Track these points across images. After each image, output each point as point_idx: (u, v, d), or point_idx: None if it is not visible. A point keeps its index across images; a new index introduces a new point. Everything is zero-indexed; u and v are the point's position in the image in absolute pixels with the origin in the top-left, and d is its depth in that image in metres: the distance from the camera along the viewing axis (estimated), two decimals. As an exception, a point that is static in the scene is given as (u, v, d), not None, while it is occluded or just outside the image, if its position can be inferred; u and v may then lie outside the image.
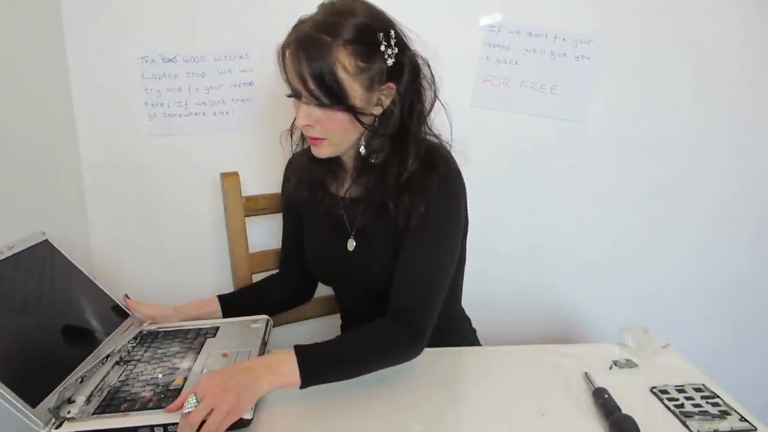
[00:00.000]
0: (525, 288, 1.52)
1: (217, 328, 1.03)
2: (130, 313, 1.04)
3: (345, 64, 0.85)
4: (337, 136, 0.93)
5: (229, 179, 1.23)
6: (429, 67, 0.96)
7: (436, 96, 0.97)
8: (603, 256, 1.53)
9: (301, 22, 0.90)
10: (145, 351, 0.95)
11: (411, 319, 0.91)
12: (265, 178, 1.33)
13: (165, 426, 0.73)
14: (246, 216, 1.24)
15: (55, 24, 1.23)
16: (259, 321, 1.06)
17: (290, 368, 0.81)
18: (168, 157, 1.34)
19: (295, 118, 0.95)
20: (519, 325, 1.42)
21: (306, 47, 0.85)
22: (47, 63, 1.21)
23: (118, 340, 0.96)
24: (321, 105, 0.88)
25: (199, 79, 1.31)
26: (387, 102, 0.92)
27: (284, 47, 0.89)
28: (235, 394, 0.74)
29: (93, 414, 0.76)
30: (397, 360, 0.90)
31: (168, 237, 1.39)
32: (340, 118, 0.90)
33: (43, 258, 0.97)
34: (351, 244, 1.03)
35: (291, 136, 1.06)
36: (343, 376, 0.87)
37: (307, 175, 1.05)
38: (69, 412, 0.76)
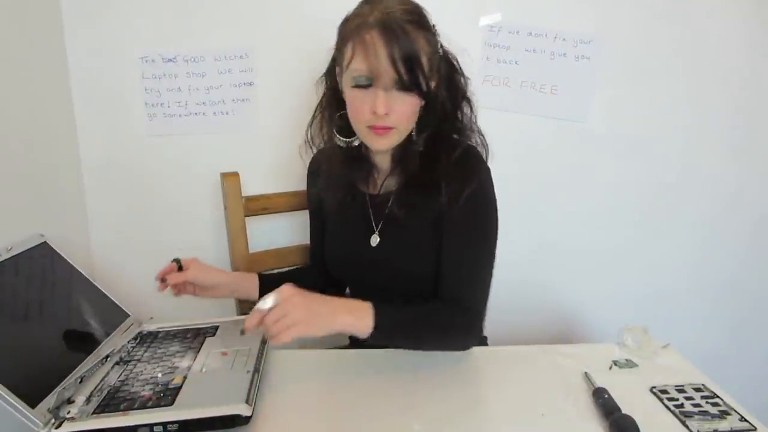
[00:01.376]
0: (525, 288, 1.52)
1: (216, 328, 1.03)
2: (130, 313, 1.05)
3: (425, 50, 0.89)
4: (404, 124, 0.94)
5: (229, 179, 1.23)
6: (457, 60, 0.99)
7: (466, 88, 1.00)
8: (603, 256, 1.53)
9: (375, 5, 0.89)
10: (145, 351, 0.95)
11: (468, 310, 0.93)
12: (265, 178, 1.33)
13: (164, 424, 0.73)
14: (246, 216, 1.24)
15: (55, 24, 1.23)
16: (258, 321, 1.06)
17: (366, 316, 0.83)
18: (168, 157, 1.34)
19: (313, 125, 1.00)
20: (519, 325, 1.42)
21: (396, 30, 0.85)
22: (47, 63, 1.21)
23: (117, 341, 0.96)
24: (405, 89, 0.88)
25: (199, 79, 1.31)
26: (434, 90, 0.94)
27: (363, 29, 0.87)
28: (312, 314, 0.78)
29: (93, 414, 0.76)
30: (455, 346, 0.94)
31: (168, 237, 1.39)
32: (413, 104, 0.91)
33: (41, 260, 0.97)
34: (374, 240, 1.03)
35: (311, 147, 1.05)
36: (403, 344, 0.90)
37: (336, 177, 1.04)
38: (69, 412, 0.76)
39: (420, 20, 0.90)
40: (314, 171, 1.14)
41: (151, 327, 1.05)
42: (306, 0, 1.30)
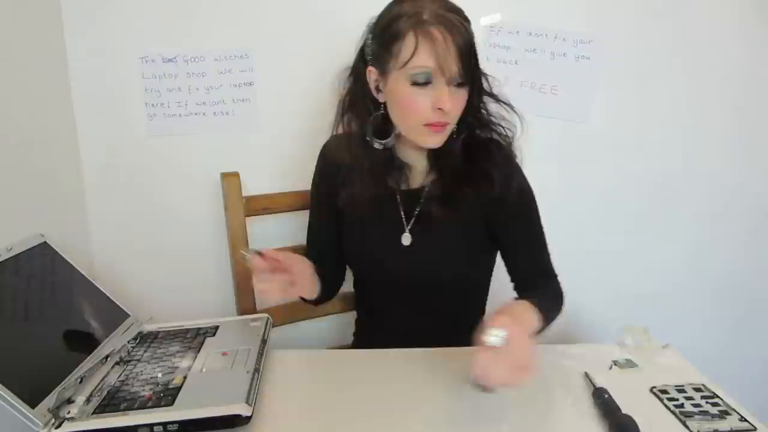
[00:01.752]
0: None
1: (216, 327, 1.03)
2: (130, 314, 1.05)
3: (477, 46, 0.91)
4: (456, 118, 0.95)
5: (230, 179, 1.23)
6: None
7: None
8: (603, 255, 1.52)
9: (417, 3, 0.89)
10: (145, 351, 0.95)
11: (554, 275, 1.05)
12: (265, 178, 1.33)
13: (164, 424, 0.73)
14: (246, 216, 1.24)
15: (55, 24, 1.23)
16: (258, 319, 1.06)
17: (535, 327, 0.83)
18: (168, 157, 1.34)
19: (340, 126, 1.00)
20: (519, 325, 1.41)
21: (458, 27, 0.87)
22: (47, 63, 1.21)
23: (117, 341, 0.96)
24: (463, 84, 0.90)
25: (199, 79, 1.30)
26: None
27: (424, 25, 0.87)
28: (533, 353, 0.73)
29: (92, 414, 0.76)
30: (559, 313, 1.01)
31: (168, 237, 1.39)
32: (465, 99, 0.93)
33: (41, 260, 0.96)
34: (406, 239, 1.02)
35: (371, 141, 0.99)
36: (545, 328, 0.91)
37: (364, 173, 1.00)
38: (69, 412, 0.76)
39: (465, 14, 0.92)
40: (329, 164, 1.09)
41: (151, 327, 1.05)
42: (305, 1, 1.30)
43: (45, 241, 0.99)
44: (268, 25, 1.30)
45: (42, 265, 0.96)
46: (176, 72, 1.30)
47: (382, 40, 0.92)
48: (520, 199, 1.01)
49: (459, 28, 0.87)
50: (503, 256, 1.09)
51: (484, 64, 0.98)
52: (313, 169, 1.15)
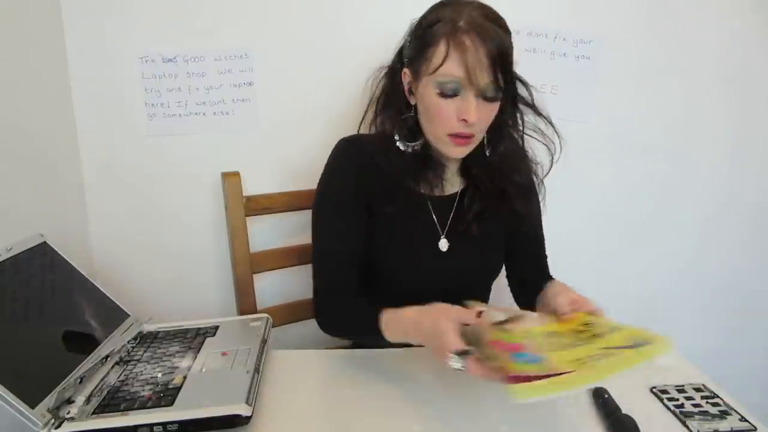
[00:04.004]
0: (525, 288, 1.52)
1: (216, 327, 1.03)
2: (130, 314, 1.04)
3: (513, 55, 0.89)
4: (483, 132, 0.93)
5: (230, 179, 1.23)
6: None
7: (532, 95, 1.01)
8: (603, 255, 1.53)
9: (458, 8, 0.87)
10: (145, 351, 0.95)
11: (549, 279, 1.07)
12: (265, 177, 1.33)
13: (164, 425, 0.73)
14: (247, 216, 1.24)
15: (55, 24, 1.23)
16: (258, 319, 1.06)
17: None
18: (168, 157, 1.34)
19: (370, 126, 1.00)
20: (519, 325, 1.42)
21: (493, 33, 0.85)
22: (47, 63, 1.21)
23: (117, 341, 0.96)
24: (494, 97, 0.88)
25: (199, 79, 1.30)
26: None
27: (458, 33, 0.84)
28: None
29: (92, 414, 0.76)
30: None
31: (168, 237, 1.39)
32: (495, 111, 0.91)
33: (41, 260, 0.96)
34: (444, 245, 1.01)
35: (400, 143, 0.96)
36: None
37: (398, 176, 0.96)
38: (68, 413, 0.76)
39: (505, 24, 0.89)
40: (362, 157, 0.99)
41: (151, 327, 1.05)
42: (306, 0, 1.30)
43: (45, 241, 0.99)
44: (268, 25, 1.30)
45: (42, 265, 0.96)
46: (176, 72, 1.30)
47: (417, 44, 0.91)
48: (532, 202, 1.06)
49: (494, 37, 0.84)
50: (507, 257, 1.11)
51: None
52: (315, 168, 1.14)
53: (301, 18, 1.30)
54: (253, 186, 1.29)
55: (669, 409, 0.83)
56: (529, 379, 0.63)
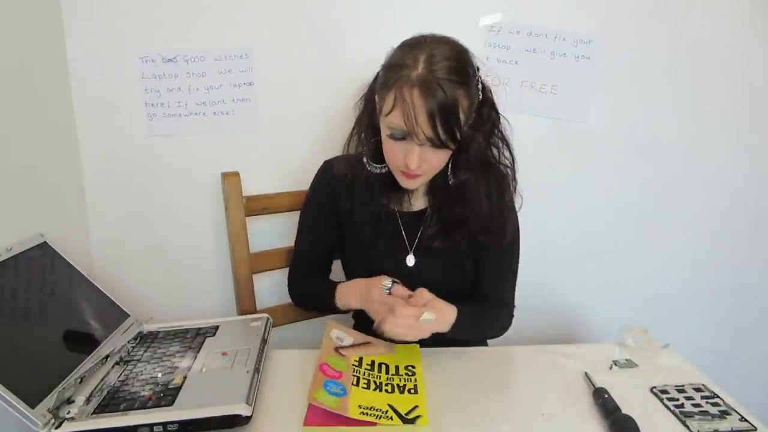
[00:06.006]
0: (525, 288, 1.51)
1: (216, 327, 1.03)
2: (130, 314, 1.05)
3: (463, 106, 0.89)
4: (435, 171, 0.97)
5: (230, 179, 1.23)
6: (491, 91, 0.99)
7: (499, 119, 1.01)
8: (603, 255, 1.53)
9: (419, 54, 0.88)
10: (145, 351, 0.95)
11: (507, 305, 1.10)
12: (265, 177, 1.33)
13: (164, 424, 0.73)
14: (247, 216, 1.24)
15: (55, 24, 1.23)
16: (258, 319, 1.06)
17: (451, 321, 0.94)
18: (168, 157, 1.34)
19: (350, 142, 1.03)
20: (519, 325, 1.41)
21: (436, 91, 0.85)
22: (47, 63, 1.21)
23: (117, 341, 0.96)
24: (440, 146, 0.89)
25: (199, 79, 1.30)
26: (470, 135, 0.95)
27: (405, 86, 0.87)
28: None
29: (92, 414, 0.76)
30: (496, 335, 1.12)
31: (168, 237, 1.39)
32: (445, 156, 0.94)
33: (41, 259, 0.97)
34: (410, 260, 1.07)
35: (367, 165, 1.02)
36: (465, 336, 1.00)
37: (365, 191, 1.04)
38: (68, 413, 0.76)
39: (462, 73, 0.89)
40: (334, 177, 1.09)
41: (151, 327, 1.05)
42: (306, 0, 1.30)
43: (45, 241, 0.99)
44: (268, 25, 1.30)
45: (42, 265, 0.96)
46: (176, 72, 1.30)
47: (381, 81, 0.94)
48: (500, 230, 1.04)
49: (438, 94, 0.85)
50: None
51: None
52: (315, 168, 1.15)
53: (301, 18, 1.30)
54: (253, 186, 1.29)
55: (669, 409, 0.83)
56: (324, 416, 0.77)
